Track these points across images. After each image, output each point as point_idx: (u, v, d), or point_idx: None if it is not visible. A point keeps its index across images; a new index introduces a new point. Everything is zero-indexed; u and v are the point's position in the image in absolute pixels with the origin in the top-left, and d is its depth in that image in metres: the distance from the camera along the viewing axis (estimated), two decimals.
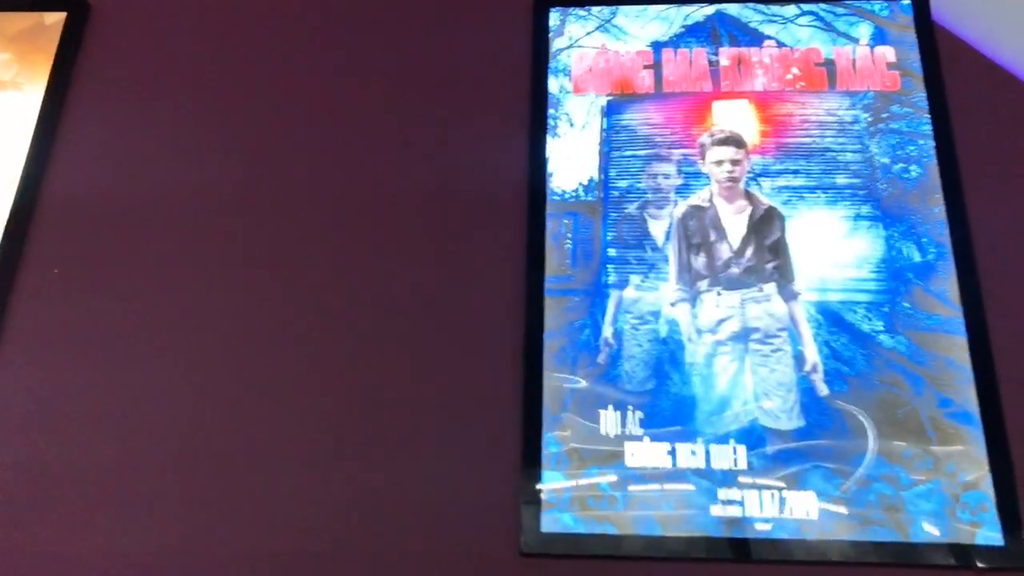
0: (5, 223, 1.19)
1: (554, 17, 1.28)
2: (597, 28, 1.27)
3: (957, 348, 1.05)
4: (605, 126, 1.21)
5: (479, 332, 1.11)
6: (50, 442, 1.09)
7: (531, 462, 1.02)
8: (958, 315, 1.07)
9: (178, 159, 1.25)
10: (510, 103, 1.24)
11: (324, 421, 1.08)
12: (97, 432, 1.09)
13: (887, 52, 1.22)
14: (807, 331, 1.07)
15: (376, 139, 1.24)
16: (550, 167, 1.19)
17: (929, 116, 1.17)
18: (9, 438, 1.09)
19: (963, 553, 0.96)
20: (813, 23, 1.25)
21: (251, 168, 1.24)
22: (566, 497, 1.01)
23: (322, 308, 1.14)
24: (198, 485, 1.05)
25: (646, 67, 1.24)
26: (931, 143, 1.16)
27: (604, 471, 1.02)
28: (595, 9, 1.28)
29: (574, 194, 1.17)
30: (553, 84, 1.24)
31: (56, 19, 1.34)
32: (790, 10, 1.26)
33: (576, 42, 1.26)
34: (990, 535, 0.96)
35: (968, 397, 1.03)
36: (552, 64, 1.25)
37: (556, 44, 1.27)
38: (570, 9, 1.29)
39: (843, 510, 0.98)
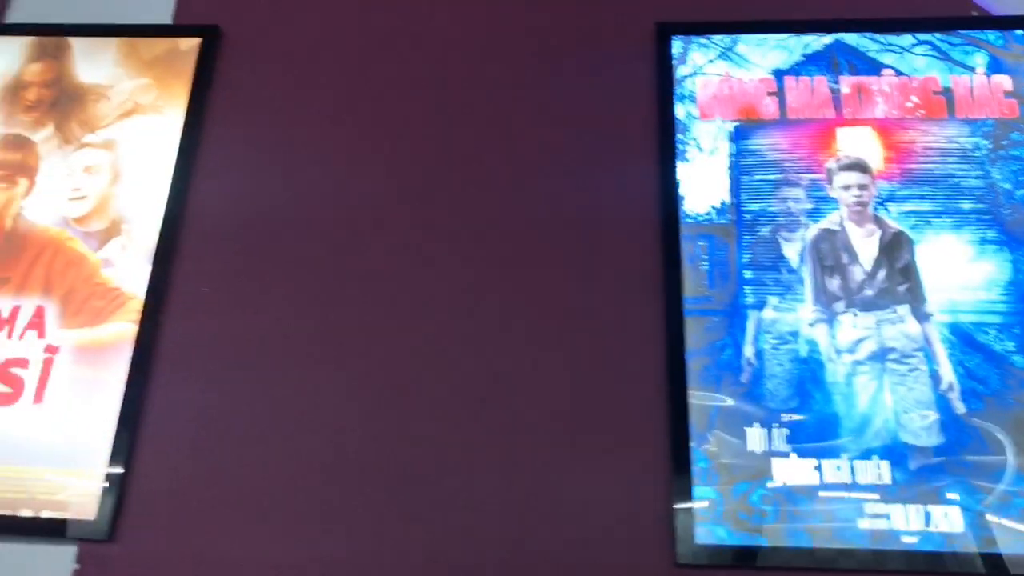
0: (155, 244, 1.24)
1: (676, 46, 1.33)
2: (719, 56, 1.32)
3: None
4: (733, 151, 1.25)
5: (623, 352, 1.15)
6: (208, 454, 1.14)
7: (682, 477, 1.07)
8: None
9: (314, 175, 1.30)
10: (638, 129, 1.28)
11: (485, 440, 1.12)
12: (253, 443, 1.13)
13: (1004, 81, 1.27)
14: (942, 351, 1.11)
15: (515, 167, 1.28)
16: (681, 190, 1.23)
17: None
18: (169, 452, 1.14)
19: None
20: (929, 52, 1.30)
21: (389, 184, 1.28)
22: (718, 510, 1.05)
23: (471, 331, 1.18)
24: (353, 495, 1.10)
25: (770, 94, 1.28)
26: None
27: (753, 485, 1.06)
28: (716, 37, 1.33)
29: (707, 217, 1.22)
30: (679, 110, 1.28)
31: (191, 45, 1.38)
32: (906, 40, 1.31)
33: (700, 69, 1.31)
34: None
35: None
36: (677, 91, 1.30)
37: (680, 71, 1.31)
38: (692, 37, 1.33)
39: (988, 523, 1.02)
